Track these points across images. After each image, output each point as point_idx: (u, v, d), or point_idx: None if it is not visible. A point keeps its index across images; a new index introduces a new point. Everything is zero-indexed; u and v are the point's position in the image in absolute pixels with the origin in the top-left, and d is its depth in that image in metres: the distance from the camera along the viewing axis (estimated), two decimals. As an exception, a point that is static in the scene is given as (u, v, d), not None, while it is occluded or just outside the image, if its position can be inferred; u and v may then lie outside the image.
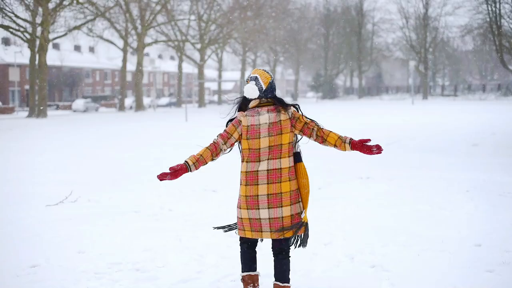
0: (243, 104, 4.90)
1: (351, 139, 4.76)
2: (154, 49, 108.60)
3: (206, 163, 4.82)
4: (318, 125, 4.83)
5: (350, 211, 8.76)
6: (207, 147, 4.80)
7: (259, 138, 4.71)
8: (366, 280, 5.66)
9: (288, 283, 4.92)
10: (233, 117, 4.91)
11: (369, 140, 4.72)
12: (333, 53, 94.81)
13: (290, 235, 4.79)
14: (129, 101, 74.77)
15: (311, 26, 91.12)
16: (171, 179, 4.68)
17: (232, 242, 6.53)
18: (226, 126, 4.91)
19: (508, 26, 33.66)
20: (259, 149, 4.73)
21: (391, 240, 7.04)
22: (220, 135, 4.81)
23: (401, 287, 5.45)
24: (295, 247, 4.98)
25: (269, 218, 4.73)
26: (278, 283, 4.90)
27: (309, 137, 4.81)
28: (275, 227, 4.73)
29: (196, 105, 75.51)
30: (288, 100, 5.72)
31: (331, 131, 4.80)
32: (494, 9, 32.49)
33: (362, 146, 4.75)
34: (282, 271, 4.89)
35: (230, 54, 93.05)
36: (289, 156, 4.78)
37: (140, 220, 8.36)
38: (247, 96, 4.79)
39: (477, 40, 57.35)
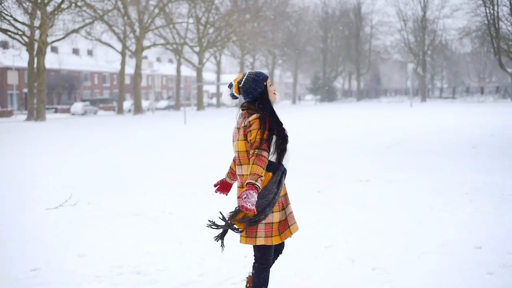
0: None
1: (247, 183, 4.35)
2: (152, 52, 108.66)
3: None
4: (255, 151, 4.45)
5: (350, 214, 8.75)
6: (233, 158, 4.96)
7: (232, 141, 4.77)
8: (367, 282, 5.66)
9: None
10: None
11: (239, 201, 4.52)
12: (332, 56, 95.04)
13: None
14: (127, 104, 74.86)
15: (309, 29, 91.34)
16: (224, 193, 5.18)
17: (234, 246, 6.52)
18: None
19: (506, 29, 33.69)
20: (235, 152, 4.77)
21: (391, 242, 7.04)
22: None
23: (402, 289, 5.45)
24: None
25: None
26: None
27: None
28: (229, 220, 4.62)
29: (194, 108, 75.54)
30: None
31: (252, 165, 4.39)
32: (492, 11, 32.53)
33: (238, 198, 4.62)
34: (253, 276, 4.80)
35: (228, 57, 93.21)
36: (244, 164, 4.64)
37: (141, 223, 8.35)
38: (223, 102, 4.89)
39: (475, 42, 57.38)
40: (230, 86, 4.79)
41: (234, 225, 4.50)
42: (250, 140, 4.52)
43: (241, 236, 4.65)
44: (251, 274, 4.91)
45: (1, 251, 7.03)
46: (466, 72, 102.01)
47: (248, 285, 4.98)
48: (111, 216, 8.90)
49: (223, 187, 5.14)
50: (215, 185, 5.14)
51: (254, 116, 4.54)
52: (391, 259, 6.37)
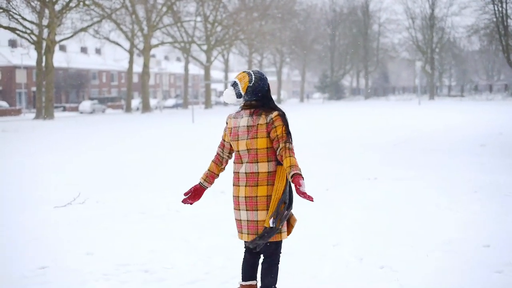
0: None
1: (294, 175, 4.50)
2: (160, 51, 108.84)
3: (217, 175, 4.96)
4: (286, 144, 4.61)
5: (357, 212, 8.74)
6: (212, 160, 4.98)
7: (238, 140, 4.71)
8: (375, 281, 5.65)
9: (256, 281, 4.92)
10: None
11: (300, 192, 4.46)
12: (339, 54, 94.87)
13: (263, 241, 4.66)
14: (135, 102, 74.96)
15: (317, 27, 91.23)
16: (192, 202, 4.91)
17: (240, 244, 6.53)
18: None
19: (515, 26, 33.51)
20: (239, 151, 4.74)
21: (399, 241, 7.02)
22: (219, 144, 4.95)
23: (409, 287, 5.44)
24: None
25: (247, 220, 4.71)
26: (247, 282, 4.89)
27: (276, 150, 4.68)
28: (251, 230, 4.69)
29: (202, 106, 75.61)
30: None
31: (290, 157, 4.56)
32: (500, 9, 32.34)
33: (297, 188, 4.55)
34: (265, 275, 4.79)
35: (236, 55, 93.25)
36: (268, 161, 4.67)
37: (147, 222, 8.37)
38: (225, 101, 4.83)
39: (483, 40, 57.18)
40: (234, 85, 4.74)
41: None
42: (277, 136, 4.61)
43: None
44: (243, 284, 4.88)
45: (9, 249, 7.06)
46: (475, 70, 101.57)
47: None
48: (118, 214, 8.92)
49: (195, 194, 4.98)
50: (186, 194, 4.95)
51: (275, 113, 4.65)
52: (398, 257, 6.36)
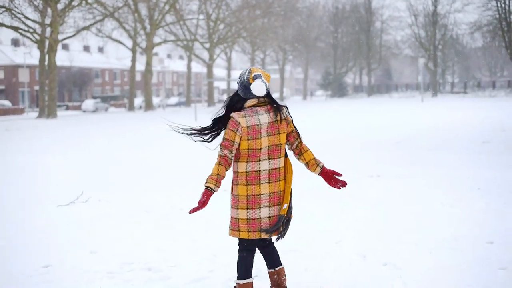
0: (234, 104, 4.80)
1: (323, 165, 4.87)
2: (163, 49, 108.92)
3: (224, 178, 4.76)
4: (300, 137, 4.92)
5: (361, 209, 8.74)
6: (219, 164, 4.66)
7: (260, 138, 4.66)
8: (378, 278, 5.65)
9: (282, 265, 5.05)
10: (219, 116, 4.86)
11: (341, 175, 4.90)
12: (342, 51, 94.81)
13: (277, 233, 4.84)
14: (138, 101, 75.01)
15: (319, 25, 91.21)
16: (201, 208, 4.60)
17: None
18: (214, 126, 4.89)
19: (518, 23, 33.45)
20: (260, 149, 4.68)
21: (402, 238, 7.02)
22: (224, 146, 4.66)
23: (413, 285, 5.44)
24: (277, 240, 4.95)
25: (269, 217, 4.75)
26: (274, 269, 5.01)
27: (291, 145, 4.87)
28: (272, 225, 4.76)
29: (205, 104, 75.63)
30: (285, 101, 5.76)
31: (309, 149, 4.91)
32: (503, 5, 32.31)
33: (331, 176, 4.87)
34: (275, 258, 5.00)
35: (239, 53, 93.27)
36: (285, 156, 4.84)
37: (152, 220, 8.38)
38: (257, 94, 4.67)
39: (486, 37, 56.98)
40: (261, 77, 4.69)
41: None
42: (292, 130, 4.83)
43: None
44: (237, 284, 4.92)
45: (14, 248, 7.07)
46: (478, 66, 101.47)
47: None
48: (122, 212, 8.93)
49: (204, 202, 4.64)
50: (203, 203, 4.59)
51: (285, 108, 4.81)
52: (402, 254, 6.36)
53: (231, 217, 4.82)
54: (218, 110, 4.92)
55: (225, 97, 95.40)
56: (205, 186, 4.60)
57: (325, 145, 18.40)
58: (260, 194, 4.72)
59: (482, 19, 49.06)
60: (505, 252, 6.34)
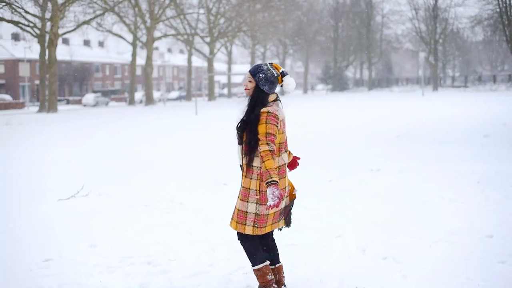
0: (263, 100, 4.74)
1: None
2: (163, 43, 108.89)
3: None
4: None
5: (360, 203, 8.75)
6: (271, 158, 4.50)
7: (283, 132, 4.80)
8: (378, 272, 5.66)
9: (280, 262, 5.17)
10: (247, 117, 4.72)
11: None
12: (343, 45, 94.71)
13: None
14: (139, 95, 74.95)
15: (320, 19, 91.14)
16: (280, 201, 4.47)
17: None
18: (242, 126, 4.75)
19: (519, 17, 33.38)
20: (281, 143, 4.78)
21: (402, 232, 7.03)
22: (271, 141, 4.55)
23: (413, 278, 5.44)
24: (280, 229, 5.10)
25: (284, 207, 4.89)
26: (274, 266, 5.07)
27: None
28: (283, 214, 4.92)
29: (206, 98, 75.58)
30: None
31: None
32: (504, -1, 32.24)
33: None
34: (275, 255, 5.06)
35: (239, 47, 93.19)
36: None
37: (151, 214, 8.38)
38: (289, 91, 4.83)
39: (487, 30, 57.06)
40: (288, 73, 4.81)
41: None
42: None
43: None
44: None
45: (14, 242, 7.08)
46: (478, 60, 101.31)
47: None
48: (121, 206, 8.93)
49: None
50: (282, 196, 4.50)
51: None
52: (401, 248, 6.37)
53: (249, 212, 4.74)
54: (244, 110, 4.79)
55: (225, 91, 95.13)
56: (273, 180, 4.42)
57: (325, 139, 18.40)
58: (285, 187, 4.85)
59: (482, 13, 49.06)
60: (504, 246, 6.34)
